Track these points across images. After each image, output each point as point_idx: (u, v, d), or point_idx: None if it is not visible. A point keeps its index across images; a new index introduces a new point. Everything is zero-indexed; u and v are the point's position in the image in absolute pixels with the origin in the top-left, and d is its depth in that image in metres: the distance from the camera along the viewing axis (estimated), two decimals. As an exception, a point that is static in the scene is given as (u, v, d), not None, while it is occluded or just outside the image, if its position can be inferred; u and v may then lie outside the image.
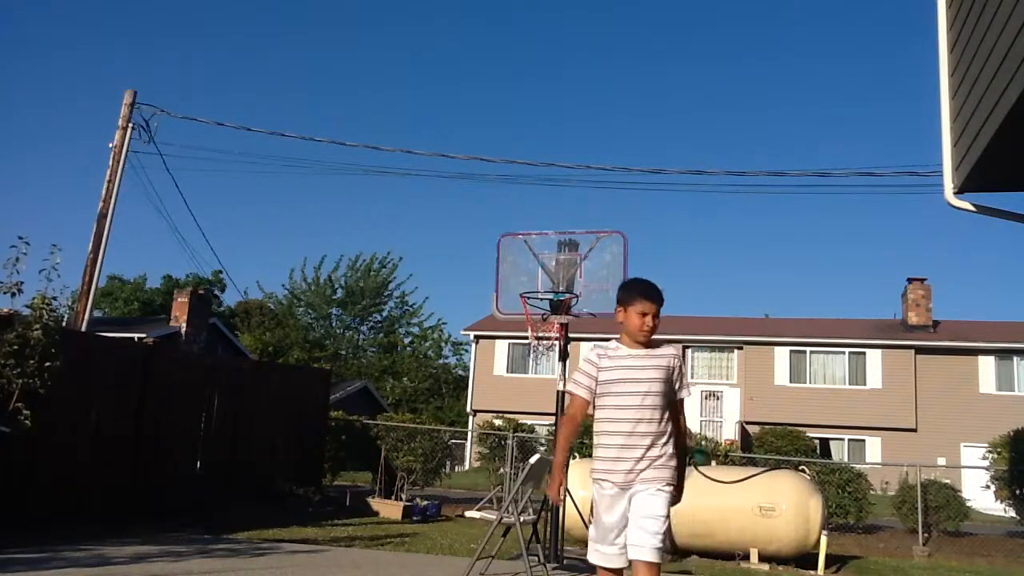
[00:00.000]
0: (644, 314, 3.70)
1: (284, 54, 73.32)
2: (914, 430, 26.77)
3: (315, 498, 12.75)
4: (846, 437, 27.41)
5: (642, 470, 3.60)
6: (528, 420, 24.64)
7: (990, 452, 15.18)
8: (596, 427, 3.72)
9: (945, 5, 6.63)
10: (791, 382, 28.38)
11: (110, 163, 14.92)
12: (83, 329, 13.32)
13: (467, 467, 28.07)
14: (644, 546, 3.48)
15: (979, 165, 5.87)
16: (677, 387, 3.77)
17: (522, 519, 6.89)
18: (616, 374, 3.68)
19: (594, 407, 3.75)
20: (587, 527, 9.05)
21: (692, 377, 29.72)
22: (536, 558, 7.01)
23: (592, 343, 3.78)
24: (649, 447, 3.61)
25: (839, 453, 27.03)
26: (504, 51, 73.50)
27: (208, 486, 11.21)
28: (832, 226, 67.13)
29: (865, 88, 69.00)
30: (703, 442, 15.92)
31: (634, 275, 4.22)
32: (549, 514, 7.94)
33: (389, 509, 12.50)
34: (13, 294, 7.55)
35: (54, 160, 71.63)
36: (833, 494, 13.21)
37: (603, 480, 3.67)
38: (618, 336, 3.84)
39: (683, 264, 69.17)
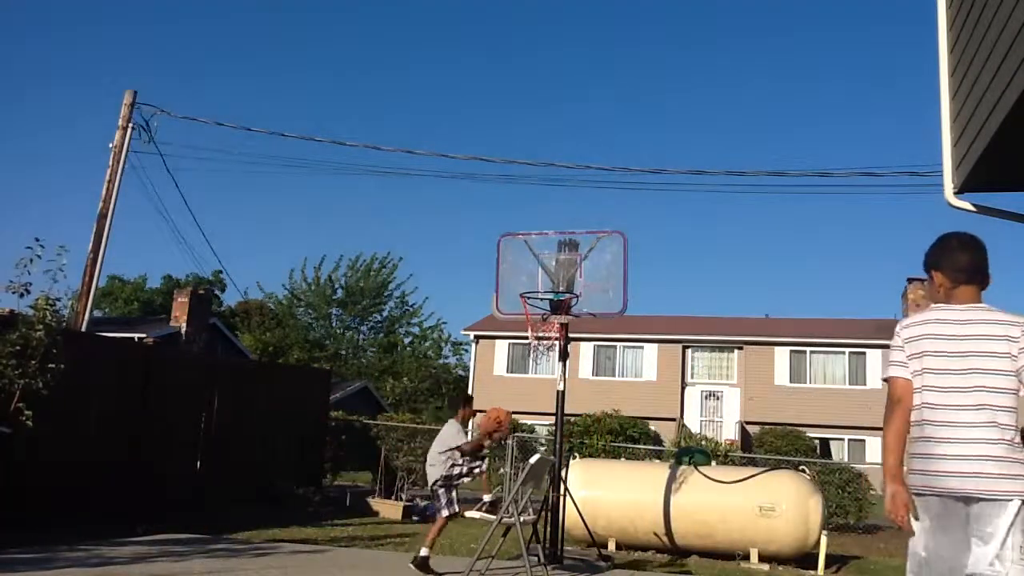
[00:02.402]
0: None
1: (285, 53, 73.36)
2: (914, 430, 26.76)
3: (315, 498, 12.75)
4: (846, 437, 27.38)
5: None
6: (528, 420, 24.61)
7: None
8: None
9: (945, 5, 6.63)
10: (791, 382, 28.35)
11: (110, 163, 14.91)
12: (83, 329, 13.31)
13: (467, 467, 28.02)
14: None
15: (979, 165, 5.86)
16: None
17: (522, 519, 6.89)
18: None
19: None
20: (587, 527, 9.04)
21: (692, 377, 29.67)
22: (536, 558, 7.01)
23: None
24: None
25: (839, 453, 27.01)
26: (504, 51, 73.54)
27: (208, 486, 11.22)
28: (832, 226, 67.10)
29: (865, 88, 69.03)
30: (703, 442, 15.92)
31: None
32: (549, 514, 7.95)
33: (389, 509, 12.50)
34: (21, 294, 7.60)
35: (53, 160, 71.65)
36: (833, 494, 13.21)
37: None
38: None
39: (683, 264, 69.17)
